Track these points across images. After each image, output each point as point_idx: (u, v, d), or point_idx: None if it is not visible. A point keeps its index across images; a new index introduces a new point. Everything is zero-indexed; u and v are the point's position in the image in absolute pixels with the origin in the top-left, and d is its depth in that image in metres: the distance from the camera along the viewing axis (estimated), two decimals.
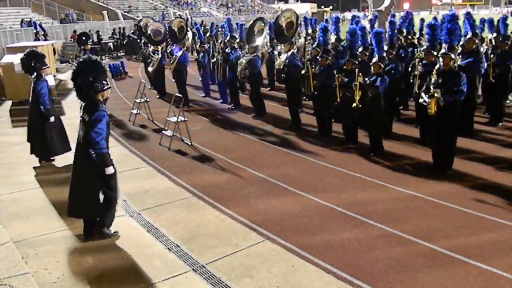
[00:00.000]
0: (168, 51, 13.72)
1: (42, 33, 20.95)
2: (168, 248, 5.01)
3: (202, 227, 5.51)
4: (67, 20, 28.09)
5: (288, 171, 7.42)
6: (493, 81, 9.30)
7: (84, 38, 12.79)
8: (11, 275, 4.16)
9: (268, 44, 12.32)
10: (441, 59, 6.99)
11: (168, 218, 5.74)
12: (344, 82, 8.24)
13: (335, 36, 11.48)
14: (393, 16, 12.52)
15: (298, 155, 8.23)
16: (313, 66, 9.41)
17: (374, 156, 7.90)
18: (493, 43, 10.69)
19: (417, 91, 8.20)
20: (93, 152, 4.83)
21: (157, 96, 13.59)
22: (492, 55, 9.52)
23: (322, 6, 68.54)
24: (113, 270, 4.57)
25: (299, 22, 10.99)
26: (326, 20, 14.49)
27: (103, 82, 4.91)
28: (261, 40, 11.18)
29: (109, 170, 4.92)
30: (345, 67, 8.61)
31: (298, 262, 4.73)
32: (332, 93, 8.54)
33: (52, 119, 7.43)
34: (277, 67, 10.50)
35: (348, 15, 38.81)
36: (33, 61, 7.35)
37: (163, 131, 9.30)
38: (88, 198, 4.95)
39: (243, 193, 6.59)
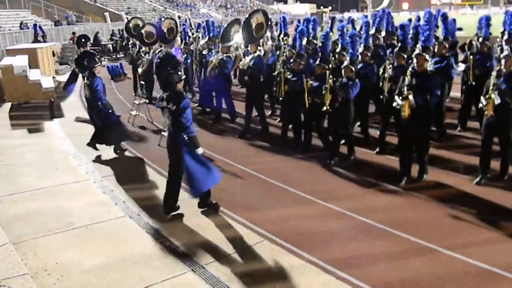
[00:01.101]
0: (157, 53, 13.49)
1: (41, 34, 20.94)
2: (168, 249, 5.01)
3: (201, 228, 5.52)
4: (60, 22, 28.02)
5: (288, 173, 7.41)
6: (473, 83, 8.86)
7: (83, 40, 12.78)
8: (10, 276, 4.17)
9: (243, 46, 12.04)
10: (415, 60, 6.65)
11: (167, 219, 5.74)
12: (314, 87, 7.87)
13: (306, 39, 11.00)
14: (364, 16, 11.77)
15: (297, 157, 8.20)
16: (287, 69, 8.72)
17: (335, 163, 7.66)
18: (474, 44, 10.35)
19: (386, 95, 7.77)
20: (185, 136, 5.48)
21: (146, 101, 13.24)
22: (471, 57, 9.06)
23: (321, 7, 68.62)
24: (112, 271, 4.58)
25: (269, 24, 10.71)
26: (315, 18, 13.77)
27: (180, 73, 5.56)
28: (236, 41, 10.99)
29: (200, 150, 5.61)
30: (316, 71, 8.14)
31: (297, 262, 4.73)
32: (302, 98, 8.09)
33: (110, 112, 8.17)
34: (240, 67, 10.22)
35: (346, 15, 38.84)
36: (86, 60, 8.06)
37: (163, 132, 9.29)
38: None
39: (243, 195, 6.58)
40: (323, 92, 7.53)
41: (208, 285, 4.36)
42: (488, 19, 9.68)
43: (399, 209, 5.97)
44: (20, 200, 6.32)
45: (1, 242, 4.87)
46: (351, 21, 12.75)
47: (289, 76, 8.44)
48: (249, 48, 10.19)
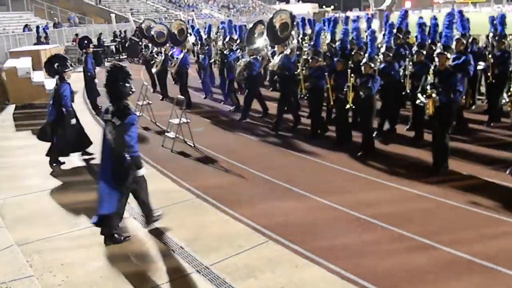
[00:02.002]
0: (169, 54, 13.74)
1: (44, 35, 20.99)
2: (172, 250, 5.01)
3: (206, 229, 5.51)
4: (61, 24, 28.07)
5: (291, 172, 7.42)
6: (493, 81, 9.16)
7: (86, 41, 12.82)
8: (15, 278, 4.18)
9: (269, 46, 12.25)
10: (436, 59, 6.92)
11: (171, 220, 5.73)
12: (336, 83, 8.14)
13: (330, 37, 11.32)
14: (387, 16, 12.15)
15: (301, 155, 8.23)
16: (306, 67, 9.24)
17: (364, 157, 7.82)
18: (490, 42, 10.52)
19: (409, 91, 8.22)
20: (127, 155, 4.96)
21: (160, 98, 13.61)
22: (489, 55, 9.33)
23: (324, 6, 68.56)
24: (117, 272, 4.58)
25: (294, 23, 10.88)
26: (323, 20, 14.29)
27: (130, 86, 5.08)
28: (261, 43, 11.13)
29: (141, 172, 5.13)
30: (337, 68, 8.48)
31: (302, 263, 4.72)
32: (322, 95, 8.48)
33: (73, 121, 7.62)
34: (270, 69, 10.40)
35: (350, 14, 38.90)
36: (57, 64, 7.56)
37: (166, 133, 9.31)
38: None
39: (247, 194, 6.59)
40: (345, 91, 7.75)
41: (213, 285, 4.36)
42: (503, 17, 9.97)
43: (406, 208, 5.96)
44: (25, 201, 6.33)
45: (7, 244, 4.88)
46: (368, 20, 13.02)
47: (307, 73, 8.86)
48: (276, 49, 10.41)
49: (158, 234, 5.40)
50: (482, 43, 11.54)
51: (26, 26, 23.33)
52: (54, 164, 7.70)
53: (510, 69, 8.52)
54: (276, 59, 9.96)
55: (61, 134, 7.56)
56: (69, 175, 7.40)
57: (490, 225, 5.44)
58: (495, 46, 9.69)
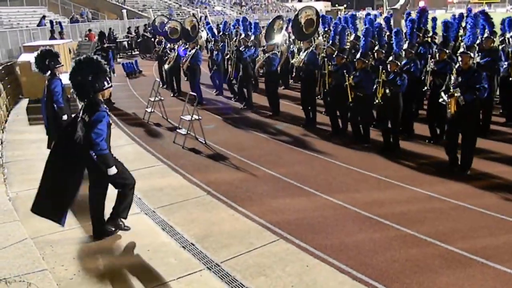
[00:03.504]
0: (178, 52, 13.74)
1: (59, 30, 21.13)
2: (183, 246, 5.03)
3: (217, 226, 5.52)
4: (75, 19, 28.29)
5: (303, 170, 7.39)
6: None
7: (103, 36, 13.07)
8: (29, 271, 4.22)
9: (287, 42, 12.27)
10: (460, 58, 6.88)
11: (182, 216, 5.76)
12: (355, 81, 8.16)
13: (354, 34, 11.36)
14: (408, 14, 12.29)
15: (312, 154, 8.20)
16: (329, 64, 9.29)
17: (388, 155, 7.83)
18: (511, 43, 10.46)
19: (429, 88, 8.25)
20: (93, 153, 4.75)
21: (171, 95, 13.65)
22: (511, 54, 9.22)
23: (336, 5, 68.18)
24: (128, 267, 4.61)
25: (320, 20, 10.85)
26: (339, 18, 14.31)
27: (104, 81, 4.82)
28: (280, 38, 11.15)
29: (112, 171, 4.84)
30: (356, 66, 8.49)
31: (313, 262, 4.71)
32: (346, 92, 8.50)
33: (65, 117, 7.46)
34: (296, 65, 10.41)
35: (363, 13, 38.50)
36: (47, 60, 7.43)
37: (177, 130, 9.33)
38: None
39: (257, 192, 6.58)
40: (375, 86, 7.74)
41: (223, 283, 4.36)
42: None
43: (417, 210, 5.89)
44: None
45: (21, 237, 4.92)
46: (386, 19, 12.98)
47: (332, 70, 8.95)
48: (301, 45, 10.42)
49: (169, 230, 5.41)
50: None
51: (43, 17, 23.53)
52: None
53: None
54: (302, 55, 9.95)
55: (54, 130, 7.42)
56: None
57: (505, 228, 5.36)
58: None
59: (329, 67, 9.20)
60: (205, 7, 45.41)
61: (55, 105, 7.38)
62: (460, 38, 10.59)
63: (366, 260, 4.74)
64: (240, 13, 46.22)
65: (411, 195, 6.36)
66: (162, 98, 11.13)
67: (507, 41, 10.45)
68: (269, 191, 6.63)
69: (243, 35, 12.67)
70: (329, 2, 68.29)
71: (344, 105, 8.77)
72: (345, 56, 8.92)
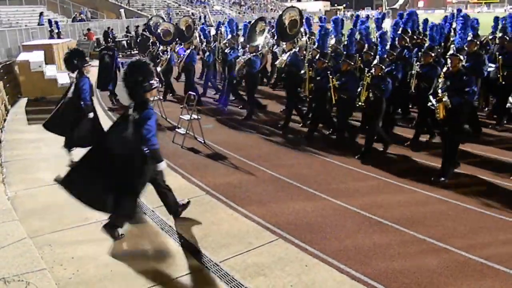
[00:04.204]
0: (176, 51, 13.67)
1: (57, 31, 21.12)
2: (182, 246, 5.02)
3: (216, 225, 5.52)
4: (79, 18, 28.29)
5: (302, 170, 7.40)
6: (503, 82, 8.98)
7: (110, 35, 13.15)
8: (28, 271, 4.22)
9: (270, 43, 12.18)
10: (449, 61, 6.77)
11: (181, 216, 5.75)
12: (340, 83, 8.05)
13: (335, 38, 11.11)
14: (401, 15, 12.11)
15: (311, 154, 8.20)
16: (312, 68, 9.08)
17: (387, 156, 7.81)
18: (498, 43, 10.35)
19: (413, 91, 8.06)
20: (145, 149, 5.03)
21: (170, 95, 13.61)
22: (499, 56, 9.12)
23: (335, 5, 68.28)
24: (126, 267, 4.60)
25: (303, 21, 10.78)
26: (342, 19, 14.16)
27: (151, 81, 5.13)
28: (262, 40, 11.03)
29: (161, 166, 5.21)
30: (341, 68, 8.35)
31: (312, 262, 4.71)
32: (327, 97, 8.39)
33: (91, 115, 7.71)
34: (278, 66, 10.35)
35: (362, 13, 38.45)
36: (76, 59, 7.71)
37: (176, 129, 9.33)
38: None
39: (257, 192, 6.58)
40: (359, 89, 7.67)
41: (222, 282, 4.36)
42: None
43: (417, 209, 5.91)
44: (36, 194, 6.39)
45: (20, 236, 4.92)
46: (377, 20, 12.76)
47: (312, 75, 8.74)
48: (284, 46, 10.34)
49: (168, 229, 5.41)
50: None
51: (41, 13, 23.52)
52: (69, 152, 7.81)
53: None
54: (285, 56, 9.89)
55: (79, 127, 7.67)
56: None
57: (504, 228, 5.38)
58: (504, 47, 9.52)
59: (310, 72, 8.95)
60: (204, 7, 45.41)
61: (82, 103, 7.59)
62: (450, 40, 10.46)
63: (365, 260, 4.74)
64: (239, 13, 46.25)
65: (410, 195, 6.37)
66: (161, 98, 11.12)
67: (490, 42, 10.37)
68: (268, 191, 6.63)
69: (229, 36, 12.59)
70: (328, 1, 68.37)
71: (324, 109, 8.73)
72: (326, 61, 8.70)
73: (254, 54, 10.63)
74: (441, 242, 5.04)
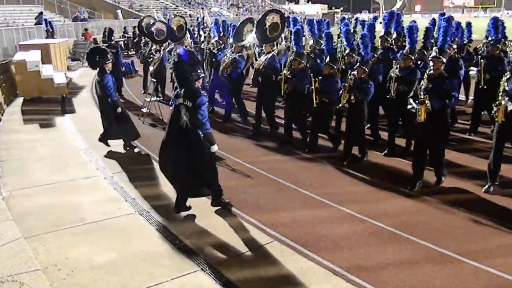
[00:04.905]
0: (168, 50, 13.55)
1: (50, 31, 21.07)
2: (177, 247, 5.01)
3: (211, 227, 5.51)
4: (81, 17, 28.27)
5: (298, 173, 7.39)
6: (485, 86, 8.79)
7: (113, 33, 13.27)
8: (22, 271, 4.20)
9: (255, 45, 12.06)
10: (431, 63, 6.59)
11: (177, 217, 5.75)
12: (322, 87, 7.92)
13: (312, 39, 11.04)
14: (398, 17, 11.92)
15: (308, 156, 8.20)
16: (289, 69, 8.82)
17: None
18: (483, 48, 10.34)
19: (393, 95, 7.81)
20: (201, 132, 5.49)
21: (158, 98, 13.27)
22: (482, 60, 9.02)
23: (333, 7, 68.47)
24: (121, 268, 4.59)
25: (285, 25, 10.65)
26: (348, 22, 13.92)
27: (199, 71, 5.56)
28: (250, 40, 10.95)
29: (214, 148, 5.66)
30: (324, 71, 8.19)
31: (307, 264, 4.71)
32: (303, 98, 8.27)
33: (119, 109, 8.03)
34: (256, 67, 10.23)
35: (360, 16, 38.65)
36: (97, 56, 7.92)
37: None
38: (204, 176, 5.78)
39: (253, 194, 6.58)
40: (341, 91, 7.57)
41: (217, 285, 4.35)
42: (495, 21, 9.64)
43: (411, 213, 5.92)
44: (31, 194, 6.37)
45: (14, 237, 4.90)
46: (362, 23, 12.61)
47: (289, 76, 8.48)
48: (263, 48, 10.20)
49: (163, 231, 5.40)
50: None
51: (41, 13, 23.49)
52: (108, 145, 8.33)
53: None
54: (263, 58, 9.71)
55: (109, 122, 8.14)
56: (77, 169, 7.43)
57: (497, 232, 5.36)
58: (488, 51, 9.46)
59: (286, 72, 8.64)
60: (202, 8, 45.45)
61: (109, 99, 7.90)
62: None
63: (360, 263, 4.74)
64: (237, 15, 46.27)
65: (406, 199, 6.36)
66: (158, 99, 11.11)
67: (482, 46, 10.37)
68: (264, 193, 6.63)
69: (216, 37, 12.56)
70: (325, 4, 68.55)
71: (299, 111, 8.60)
72: (303, 61, 8.51)
73: (240, 54, 10.56)
74: (436, 245, 5.04)
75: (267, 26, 9.81)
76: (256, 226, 5.54)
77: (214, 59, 11.59)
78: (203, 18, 23.04)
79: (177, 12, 40.42)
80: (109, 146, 8.35)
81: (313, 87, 7.96)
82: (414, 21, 8.86)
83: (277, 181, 7.03)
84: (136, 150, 8.57)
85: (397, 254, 4.91)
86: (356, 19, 13.65)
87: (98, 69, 8.05)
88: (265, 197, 6.49)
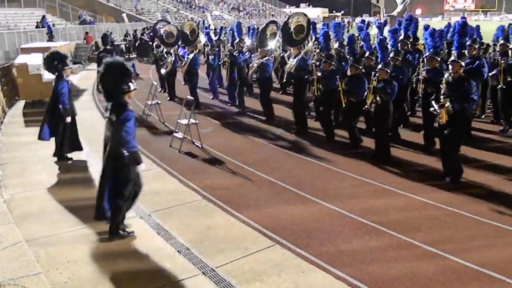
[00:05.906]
0: (179, 54, 13.77)
1: (49, 33, 21.10)
2: (178, 251, 5.01)
3: (212, 230, 5.51)
4: (89, 20, 28.38)
5: (299, 175, 7.39)
6: (504, 87, 9.21)
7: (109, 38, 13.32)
8: (23, 275, 4.19)
9: (281, 47, 12.31)
10: (450, 67, 6.88)
11: (178, 221, 5.74)
12: (347, 88, 8.28)
13: (337, 42, 11.31)
14: (400, 22, 12.30)
15: (309, 159, 8.21)
16: (317, 69, 9.33)
17: (380, 163, 7.82)
18: (500, 50, 10.46)
19: (421, 96, 8.27)
20: (125, 151, 4.95)
21: (168, 99, 13.62)
22: (502, 62, 9.31)
23: (334, 11, 68.56)
24: (122, 271, 4.59)
25: (310, 26, 10.88)
26: (344, 24, 14.38)
27: (129, 83, 4.99)
28: (273, 44, 11.15)
29: (141, 168, 5.14)
30: (348, 72, 8.61)
31: (308, 268, 4.70)
32: (334, 98, 8.64)
33: (68, 119, 7.59)
34: (287, 71, 10.45)
35: (359, 20, 38.67)
36: (56, 61, 7.56)
37: (174, 133, 9.31)
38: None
39: (253, 197, 6.57)
40: (366, 93, 7.83)
41: None
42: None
43: (413, 218, 5.92)
44: (33, 197, 6.37)
45: (15, 240, 4.89)
46: (379, 27, 13.01)
47: (320, 76, 8.99)
48: (288, 52, 10.45)
49: (164, 234, 5.40)
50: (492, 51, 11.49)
51: (44, 17, 23.55)
52: (61, 160, 7.76)
53: None
54: (293, 61, 9.95)
55: (61, 131, 7.68)
56: (77, 172, 7.43)
57: (500, 235, 5.38)
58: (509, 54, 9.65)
59: (317, 73, 9.19)
60: (203, 12, 45.53)
61: (60, 106, 7.47)
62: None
63: (362, 267, 4.73)
64: (237, 18, 46.30)
65: (407, 202, 6.37)
66: (159, 102, 11.12)
67: (492, 48, 10.59)
68: (265, 196, 6.63)
69: (237, 40, 12.71)
70: (326, 8, 68.64)
71: (330, 111, 8.89)
72: (333, 63, 9.00)
73: (266, 58, 10.74)
74: (438, 249, 5.03)
75: (292, 29, 10.03)
76: (257, 229, 5.53)
77: (235, 61, 11.77)
78: (204, 22, 23.18)
79: (178, 15, 40.53)
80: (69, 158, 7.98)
81: (339, 88, 8.30)
82: (429, 26, 9.35)
83: (278, 184, 7.02)
84: (69, 162, 8.00)
85: (398, 257, 4.89)
86: (362, 21, 13.93)
87: (56, 74, 7.64)
88: (266, 199, 6.47)
